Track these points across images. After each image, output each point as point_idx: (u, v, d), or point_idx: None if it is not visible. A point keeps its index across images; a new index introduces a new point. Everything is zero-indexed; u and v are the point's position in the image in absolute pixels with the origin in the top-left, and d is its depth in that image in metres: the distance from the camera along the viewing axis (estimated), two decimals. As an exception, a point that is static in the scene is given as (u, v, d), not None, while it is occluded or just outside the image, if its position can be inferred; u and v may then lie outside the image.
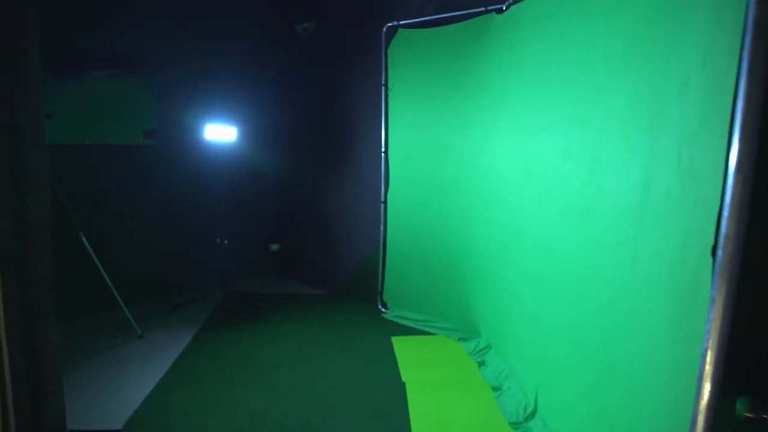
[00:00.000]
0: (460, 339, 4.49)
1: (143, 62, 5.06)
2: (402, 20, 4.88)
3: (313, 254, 6.20)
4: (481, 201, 4.31)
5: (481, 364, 4.03)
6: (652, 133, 2.06)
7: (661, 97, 2.02)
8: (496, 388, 3.60)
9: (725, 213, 1.44)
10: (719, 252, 1.47)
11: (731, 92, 1.48)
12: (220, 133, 5.33)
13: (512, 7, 3.92)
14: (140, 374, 3.76)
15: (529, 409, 3.20)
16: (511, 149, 3.81)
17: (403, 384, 3.68)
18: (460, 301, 4.66)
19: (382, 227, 5.21)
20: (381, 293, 5.29)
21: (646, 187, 2.07)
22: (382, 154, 5.14)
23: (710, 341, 1.49)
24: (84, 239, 3.98)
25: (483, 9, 4.25)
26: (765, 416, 2.61)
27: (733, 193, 1.43)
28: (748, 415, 2.62)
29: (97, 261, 4.04)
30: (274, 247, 6.33)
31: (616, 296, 2.33)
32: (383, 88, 5.06)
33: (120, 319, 4.34)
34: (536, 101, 3.41)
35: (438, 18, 4.65)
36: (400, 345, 4.41)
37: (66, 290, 4.34)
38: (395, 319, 5.02)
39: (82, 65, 4.72)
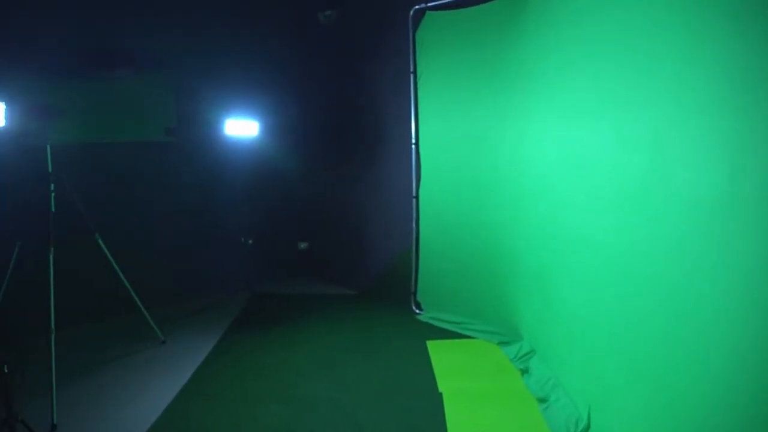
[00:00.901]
0: (500, 343, 4.19)
1: (161, 58, 4.91)
2: (430, 2, 4.57)
3: (342, 252, 5.98)
4: (522, 194, 3.99)
5: (524, 371, 3.72)
6: (737, 113, 1.71)
7: (748, 67, 1.67)
8: (542, 400, 3.28)
9: None
10: None
11: None
12: (241, 128, 5.13)
13: (552, -20, 3.56)
14: (161, 382, 3.60)
15: (581, 426, 2.87)
16: (554, 137, 3.48)
17: (440, 394, 3.39)
18: (499, 302, 4.36)
19: (414, 223, 4.94)
20: (414, 293, 5.02)
21: (733, 178, 1.72)
22: (413, 146, 4.86)
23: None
24: (100, 241, 3.81)
25: (519, -15, 3.91)
26: None
27: None
28: None
29: (114, 263, 3.88)
30: (302, 245, 6.12)
31: (688, 308, 1.99)
32: (412, 75, 4.79)
33: (141, 323, 4.17)
34: (582, 83, 3.08)
35: (468, -2, 4.32)
36: (436, 350, 4.13)
37: (83, 294, 4.29)
38: (430, 321, 4.74)
39: (100, 63, 4.60)
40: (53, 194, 3.47)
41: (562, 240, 3.36)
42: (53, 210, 3.47)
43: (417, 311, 4.96)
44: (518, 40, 3.96)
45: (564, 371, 3.32)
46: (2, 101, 2.47)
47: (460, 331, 4.51)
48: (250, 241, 5.50)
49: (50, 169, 3.49)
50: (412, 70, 4.77)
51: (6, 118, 2.49)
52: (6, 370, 2.41)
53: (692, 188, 1.98)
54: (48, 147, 3.46)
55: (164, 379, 3.65)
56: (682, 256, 2.03)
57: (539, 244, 3.74)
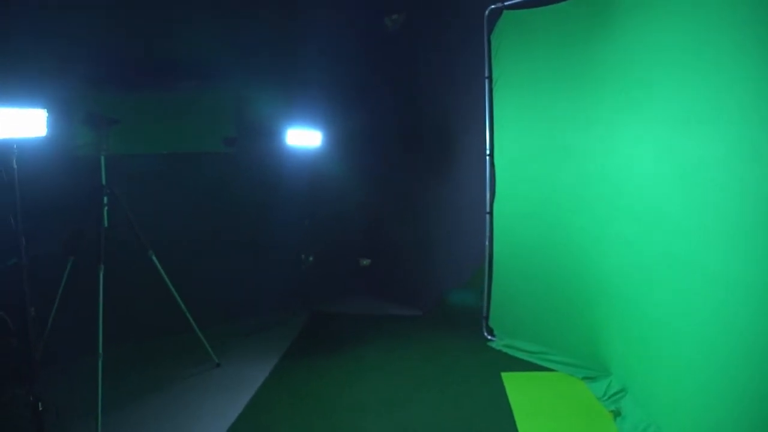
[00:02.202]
0: (585, 378, 3.75)
1: (222, 68, 4.79)
2: (507, 0, 4.19)
3: (407, 270, 5.66)
4: (612, 213, 3.55)
5: (616, 414, 3.27)
6: None
7: None
8: (642, 453, 2.82)
9: None
10: None
11: None
12: (303, 138, 4.90)
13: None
14: (213, 411, 3.40)
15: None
16: (654, 149, 3.06)
17: (521, 440, 3.00)
18: (582, 331, 3.89)
19: (487, 242, 4.56)
20: (486, 318, 4.62)
21: None
22: (487, 158, 4.50)
23: None
24: (154, 258, 3.63)
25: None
26: None
27: None
28: None
29: (168, 281, 3.70)
30: (365, 262, 5.84)
31: None
32: (486, 80, 4.43)
33: (195, 344, 3.98)
34: (692, 84, 2.67)
35: (551, -6, 3.93)
36: (513, 383, 3.73)
37: (134, 312, 4.10)
38: (504, 350, 4.34)
39: (160, 74, 4.53)
40: (106, 208, 3.32)
41: (664, 266, 2.93)
42: (106, 225, 3.32)
43: (489, 337, 4.56)
44: (610, 37, 3.52)
45: (668, 419, 2.86)
46: (44, 108, 2.29)
47: (538, 362, 4.08)
48: (311, 258, 5.25)
49: (104, 182, 3.35)
50: (486, 75, 4.41)
51: (48, 127, 2.32)
52: (41, 408, 2.23)
53: None
54: (102, 158, 3.32)
55: (216, 408, 3.44)
56: None
57: (633, 269, 3.30)
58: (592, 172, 3.74)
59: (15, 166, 2.19)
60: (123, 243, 3.50)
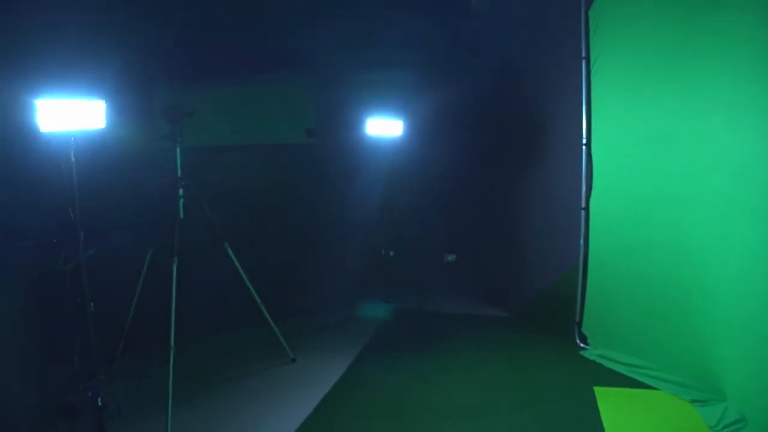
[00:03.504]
0: (694, 401, 3.29)
1: (303, 58, 4.73)
2: (610, -32, 3.75)
3: (494, 269, 5.34)
4: (736, 213, 3.07)
5: (734, 448, 2.80)
6: None
7: None
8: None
9: None
10: None
11: None
12: (383, 127, 4.71)
13: None
14: (283, 410, 3.33)
15: None
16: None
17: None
18: (693, 346, 3.41)
19: (582, 240, 4.15)
20: (579, 324, 4.22)
21: None
22: (583, 147, 4.07)
23: None
24: (229, 250, 3.60)
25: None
26: None
27: None
28: None
29: (243, 274, 3.66)
30: (449, 257, 5.57)
31: None
32: (584, 61, 4.00)
33: (269, 338, 3.92)
34: None
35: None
36: (607, 401, 3.35)
37: (208, 305, 4.08)
38: (598, 360, 3.94)
39: (242, 66, 4.52)
40: (182, 200, 3.32)
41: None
42: (182, 217, 3.32)
43: (582, 345, 4.16)
44: (739, 6, 3.00)
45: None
46: (102, 99, 2.24)
47: (637, 377, 3.65)
48: (391, 253, 5.06)
49: (179, 174, 3.34)
50: (584, 55, 3.98)
51: (106, 119, 2.27)
52: (100, 404, 2.21)
53: None
54: (177, 150, 3.31)
55: (287, 405, 3.38)
56: None
57: (757, 277, 2.87)
58: (709, 163, 3.24)
59: (73, 159, 2.16)
60: (198, 235, 3.49)
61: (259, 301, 3.76)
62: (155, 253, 3.47)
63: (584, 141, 4.05)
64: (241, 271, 3.65)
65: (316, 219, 4.96)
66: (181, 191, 3.34)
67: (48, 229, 2.24)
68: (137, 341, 3.69)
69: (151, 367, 3.61)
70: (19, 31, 2.88)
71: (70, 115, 2.08)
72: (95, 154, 2.73)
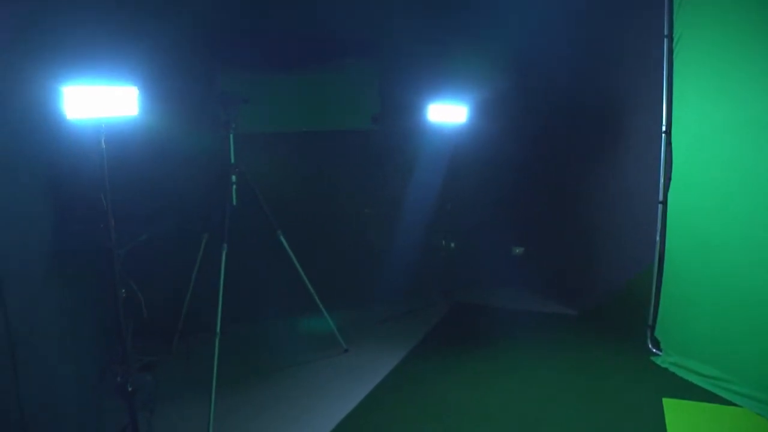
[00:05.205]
0: (782, 422, 2.91)
1: (367, 45, 4.66)
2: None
3: (562, 262, 5.05)
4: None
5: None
6: None
7: None
8: None
9: None
10: None
11: None
12: (447, 113, 4.51)
13: None
14: (326, 403, 3.30)
15: None
16: None
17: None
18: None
19: (658, 237, 3.81)
20: (652, 328, 3.90)
21: None
22: (663, 135, 3.72)
23: None
24: (282, 239, 3.59)
25: None
26: None
27: None
28: None
29: (296, 262, 3.64)
30: (517, 250, 5.32)
31: None
32: (665, 40, 3.63)
33: (322, 327, 3.92)
34: None
35: None
36: (677, 414, 3.06)
37: (260, 293, 4.10)
38: (672, 369, 3.62)
39: (305, 53, 4.51)
40: (235, 186, 3.34)
41: None
42: (234, 203, 3.34)
43: (654, 351, 3.83)
44: None
45: None
46: (135, 85, 2.25)
47: (715, 390, 3.31)
48: (452, 244, 4.88)
49: (233, 160, 3.36)
50: (666, 33, 3.60)
51: (139, 105, 2.28)
52: (130, 389, 2.25)
53: None
54: (231, 136, 3.33)
55: (332, 398, 3.35)
56: None
57: None
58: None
59: (104, 146, 2.18)
60: (252, 222, 3.51)
61: (312, 290, 3.74)
62: (210, 240, 3.53)
63: (664, 128, 3.69)
64: (294, 260, 3.64)
65: (375, 207, 4.88)
66: (234, 177, 3.37)
67: (95, 216, 2.29)
68: (192, 326, 3.78)
69: (203, 352, 3.70)
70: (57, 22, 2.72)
71: (103, 101, 2.10)
72: (136, 143, 2.79)
